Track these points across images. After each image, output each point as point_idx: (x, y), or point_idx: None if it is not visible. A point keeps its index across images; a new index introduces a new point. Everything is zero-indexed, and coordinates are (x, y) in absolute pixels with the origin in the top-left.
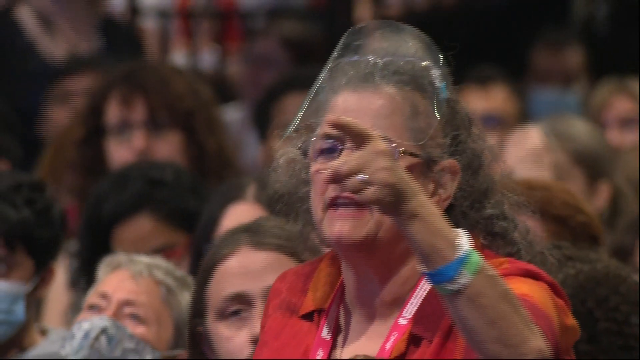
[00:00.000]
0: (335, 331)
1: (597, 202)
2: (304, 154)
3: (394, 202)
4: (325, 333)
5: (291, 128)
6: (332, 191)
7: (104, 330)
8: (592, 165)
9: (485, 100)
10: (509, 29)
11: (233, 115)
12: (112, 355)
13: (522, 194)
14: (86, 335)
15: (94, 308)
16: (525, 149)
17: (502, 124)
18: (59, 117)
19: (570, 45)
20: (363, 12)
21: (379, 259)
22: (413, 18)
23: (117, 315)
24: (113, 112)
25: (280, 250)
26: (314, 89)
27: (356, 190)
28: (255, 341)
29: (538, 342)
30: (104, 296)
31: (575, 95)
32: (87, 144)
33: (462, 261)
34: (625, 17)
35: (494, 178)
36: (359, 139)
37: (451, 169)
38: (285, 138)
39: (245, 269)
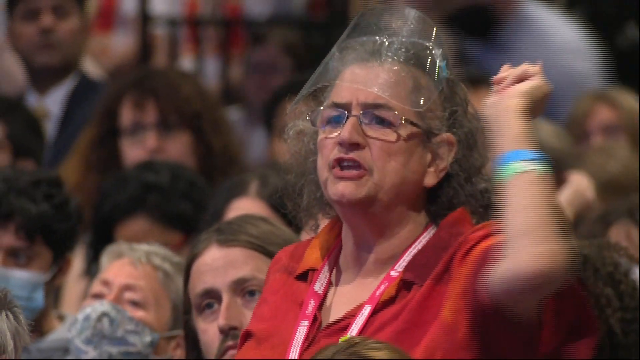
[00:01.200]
0: (328, 287)
1: (562, 190)
2: (313, 123)
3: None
4: (317, 287)
5: (302, 95)
6: (337, 152)
7: (105, 314)
8: (557, 160)
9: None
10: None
11: (235, 116)
12: (112, 335)
13: None
14: (88, 318)
15: (98, 296)
16: None
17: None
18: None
19: None
20: None
21: (378, 219)
22: None
23: (118, 299)
24: (127, 115)
25: (247, 246)
26: (322, 64)
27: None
28: (221, 331)
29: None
30: (106, 283)
31: None
32: (102, 144)
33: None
34: (599, 22)
35: (487, 155)
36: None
37: (448, 141)
38: (295, 111)
39: (212, 266)
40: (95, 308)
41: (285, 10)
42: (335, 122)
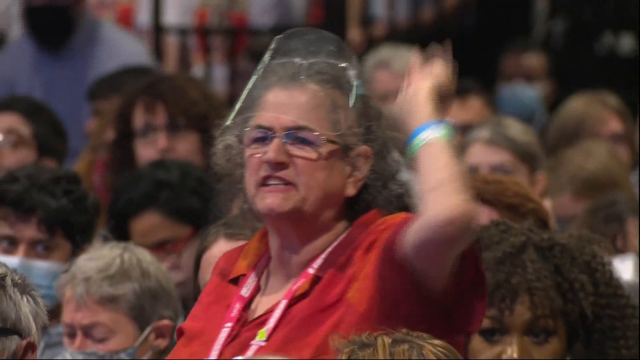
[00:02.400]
0: (256, 291)
1: (536, 190)
2: (240, 141)
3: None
4: (244, 291)
5: (229, 120)
6: (263, 171)
7: None
8: (531, 160)
9: (462, 110)
10: (478, 44)
11: None
12: None
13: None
14: None
15: (69, 336)
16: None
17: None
18: None
19: (532, 51)
20: (353, 30)
21: (303, 228)
22: (396, 36)
23: (84, 342)
24: (139, 118)
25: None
26: (249, 86)
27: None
28: None
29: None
30: (69, 326)
31: (536, 91)
32: (117, 145)
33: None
34: (578, 32)
35: (400, 162)
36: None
37: (365, 154)
38: (224, 128)
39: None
40: None
41: (286, 20)
42: (261, 140)
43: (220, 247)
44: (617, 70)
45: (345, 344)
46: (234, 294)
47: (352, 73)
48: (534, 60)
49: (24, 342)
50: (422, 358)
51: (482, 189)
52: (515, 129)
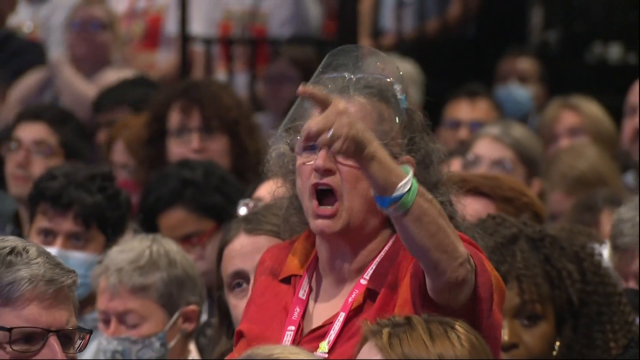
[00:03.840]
0: (309, 293)
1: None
2: (292, 149)
3: (356, 150)
4: (301, 294)
5: (281, 129)
6: (313, 178)
7: (115, 352)
8: (531, 164)
9: (472, 110)
10: (478, 52)
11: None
12: None
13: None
14: (108, 355)
15: (104, 322)
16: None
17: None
18: None
19: (526, 56)
20: (364, 41)
21: (352, 238)
22: (403, 46)
23: (118, 328)
24: (175, 119)
25: (269, 234)
26: (300, 99)
27: (326, 145)
28: None
29: (463, 248)
30: (104, 313)
31: (527, 92)
32: (151, 144)
33: (409, 190)
34: (570, 42)
35: (442, 173)
36: (323, 104)
37: (408, 163)
38: (276, 137)
39: (241, 251)
40: (106, 348)
41: (303, 31)
42: (311, 149)
43: (240, 241)
44: (606, 77)
45: (378, 327)
46: (287, 293)
47: (397, 87)
48: (527, 64)
49: None
50: (456, 333)
51: (480, 182)
52: (523, 133)
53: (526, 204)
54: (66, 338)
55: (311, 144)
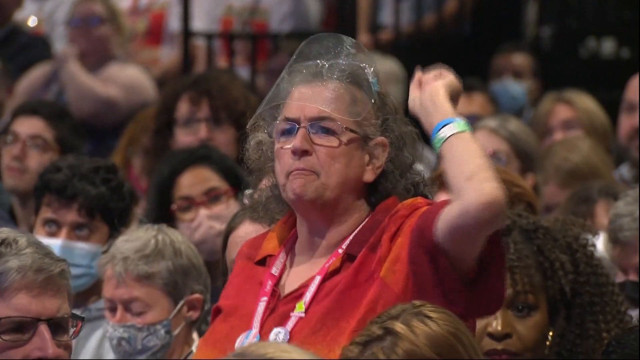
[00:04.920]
0: (283, 269)
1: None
2: (270, 135)
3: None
4: (274, 270)
5: (258, 112)
6: (292, 162)
7: (121, 339)
8: (526, 158)
9: (468, 104)
10: (474, 48)
11: None
12: (136, 350)
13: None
14: (111, 341)
15: (111, 310)
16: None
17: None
18: None
19: (520, 51)
20: (362, 36)
21: (327, 211)
22: (401, 41)
23: (124, 316)
24: (184, 109)
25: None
26: (275, 85)
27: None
28: None
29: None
30: (110, 301)
31: (522, 87)
32: (159, 133)
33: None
34: (563, 37)
35: (416, 154)
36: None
37: (382, 143)
38: (253, 126)
39: (244, 239)
40: (112, 335)
41: (303, 26)
42: (288, 133)
43: (245, 229)
44: (599, 72)
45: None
46: (263, 272)
47: (369, 71)
48: (522, 59)
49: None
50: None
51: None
52: (519, 127)
53: (518, 194)
54: (58, 326)
55: (289, 127)
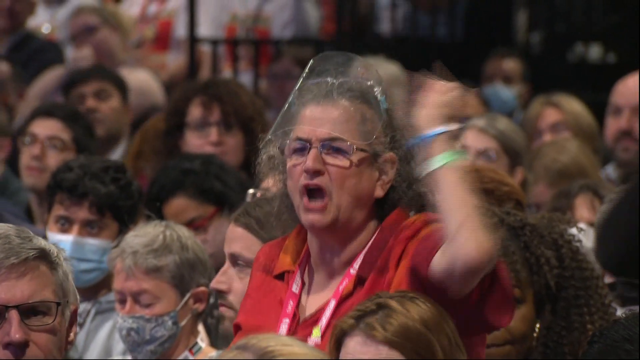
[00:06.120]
0: (302, 287)
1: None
2: (282, 152)
3: None
4: (294, 288)
5: (270, 133)
6: (303, 179)
7: (130, 329)
8: (514, 155)
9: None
10: (467, 52)
11: None
12: (144, 340)
13: None
14: (121, 332)
15: (121, 302)
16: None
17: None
18: None
19: (511, 57)
20: (359, 41)
21: (340, 232)
22: (398, 46)
23: (133, 307)
24: (195, 112)
25: (243, 227)
26: (287, 103)
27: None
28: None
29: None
30: (120, 293)
31: (513, 91)
32: (169, 135)
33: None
34: (552, 42)
35: (423, 167)
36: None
37: (391, 159)
38: (267, 141)
39: (228, 237)
40: (122, 326)
41: (303, 32)
42: (300, 151)
43: (231, 228)
44: (586, 76)
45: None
46: (282, 288)
47: (377, 89)
48: (512, 64)
49: (73, 307)
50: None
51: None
52: (508, 125)
53: (507, 192)
54: (31, 311)
55: (300, 147)
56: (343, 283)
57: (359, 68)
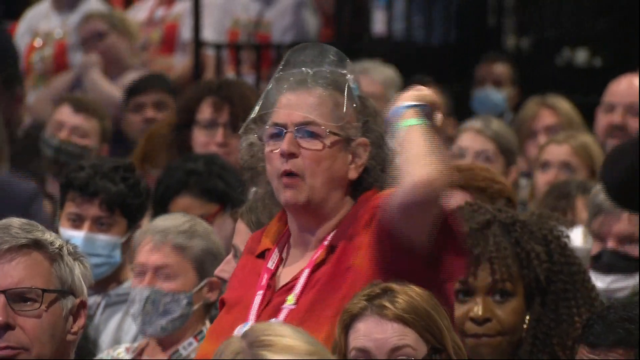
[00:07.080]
0: (280, 262)
1: (509, 180)
2: (260, 139)
3: None
4: (270, 264)
5: (248, 120)
6: (280, 163)
7: (147, 298)
8: (509, 154)
9: None
10: (460, 57)
11: None
12: (158, 312)
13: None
14: (138, 303)
15: (140, 274)
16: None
17: None
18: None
19: (501, 61)
20: (357, 44)
21: (315, 212)
22: (394, 53)
23: (153, 279)
24: (206, 112)
25: (243, 220)
26: (265, 92)
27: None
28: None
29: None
30: (142, 265)
31: (503, 94)
32: (179, 130)
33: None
34: (541, 46)
35: (394, 150)
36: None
37: (363, 144)
38: (246, 129)
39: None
40: (139, 296)
41: (302, 37)
42: (277, 137)
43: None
44: (574, 79)
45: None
46: (261, 265)
47: (350, 78)
48: (502, 68)
49: (78, 301)
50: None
51: (455, 176)
52: (502, 127)
53: (498, 190)
54: (18, 297)
55: (277, 132)
56: (317, 254)
57: (333, 58)
